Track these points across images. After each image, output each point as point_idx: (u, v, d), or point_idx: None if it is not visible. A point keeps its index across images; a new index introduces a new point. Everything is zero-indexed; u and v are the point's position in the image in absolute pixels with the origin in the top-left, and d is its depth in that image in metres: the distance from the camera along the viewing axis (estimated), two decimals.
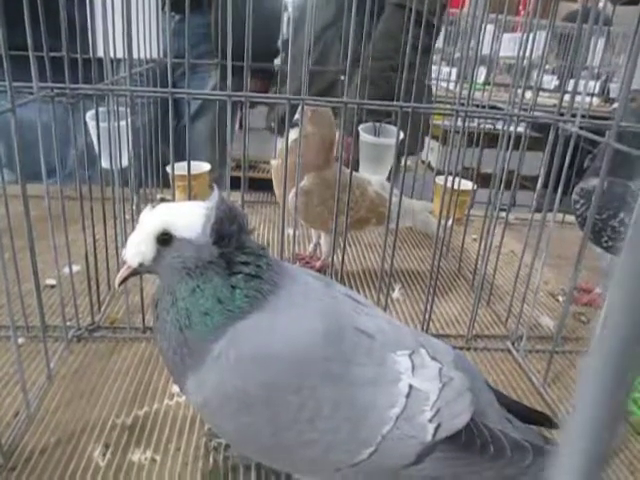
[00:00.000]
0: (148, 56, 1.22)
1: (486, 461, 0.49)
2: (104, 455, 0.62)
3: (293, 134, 0.80)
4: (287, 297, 0.50)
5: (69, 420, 0.67)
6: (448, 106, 1.00)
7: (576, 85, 0.82)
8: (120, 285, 0.53)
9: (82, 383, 0.75)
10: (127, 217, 0.85)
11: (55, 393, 0.72)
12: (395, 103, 0.75)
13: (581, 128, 0.76)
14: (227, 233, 0.48)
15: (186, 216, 0.48)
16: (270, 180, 1.10)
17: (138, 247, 0.49)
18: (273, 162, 1.06)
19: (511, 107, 0.98)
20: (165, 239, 0.48)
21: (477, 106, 1.19)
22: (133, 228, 0.84)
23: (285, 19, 1.70)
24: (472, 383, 0.52)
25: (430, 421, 0.48)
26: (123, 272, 0.51)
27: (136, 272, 0.52)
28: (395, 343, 0.51)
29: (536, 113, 0.92)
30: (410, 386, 0.48)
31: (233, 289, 0.48)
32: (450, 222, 1.14)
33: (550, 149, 0.82)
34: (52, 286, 0.97)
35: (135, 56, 1.05)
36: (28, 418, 0.66)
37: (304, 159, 0.79)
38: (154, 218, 0.49)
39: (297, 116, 0.87)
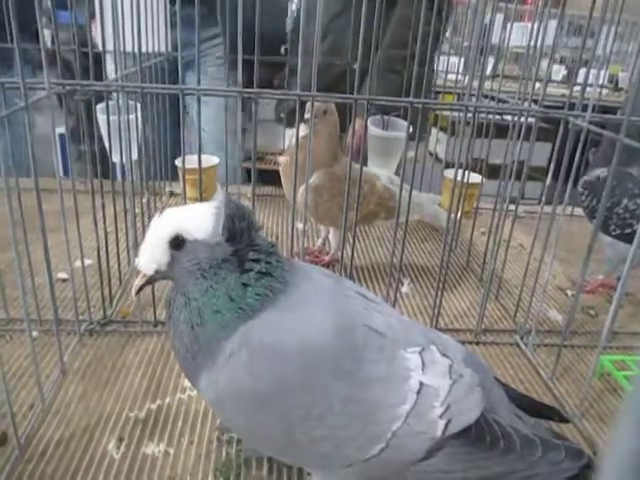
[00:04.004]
0: (156, 49, 1.22)
1: (496, 456, 0.49)
2: (118, 448, 0.64)
3: (302, 131, 0.79)
4: (298, 295, 0.50)
5: (83, 413, 0.69)
6: (457, 100, 0.99)
7: (587, 78, 0.82)
8: (137, 294, 0.53)
9: (95, 377, 0.76)
10: (137, 211, 0.85)
11: (69, 386, 0.73)
12: (405, 99, 0.75)
13: (590, 122, 0.76)
14: (238, 230, 0.49)
15: (196, 218, 0.49)
16: (278, 172, 1.10)
17: (152, 254, 0.49)
18: (281, 159, 1.06)
19: (520, 100, 0.98)
20: (178, 243, 0.48)
21: (485, 97, 1.18)
22: (144, 222, 0.85)
23: (293, 5, 1.69)
24: (482, 379, 0.53)
25: (440, 417, 0.48)
26: (139, 281, 0.51)
27: (152, 280, 0.52)
28: (405, 340, 0.51)
29: (545, 105, 0.91)
30: (420, 383, 0.49)
31: (245, 287, 0.48)
32: (459, 215, 1.14)
33: (560, 143, 0.82)
34: (64, 280, 0.98)
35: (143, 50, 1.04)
36: (43, 411, 0.68)
37: (313, 156, 0.79)
38: (165, 224, 0.49)
39: (307, 115, 0.87)
